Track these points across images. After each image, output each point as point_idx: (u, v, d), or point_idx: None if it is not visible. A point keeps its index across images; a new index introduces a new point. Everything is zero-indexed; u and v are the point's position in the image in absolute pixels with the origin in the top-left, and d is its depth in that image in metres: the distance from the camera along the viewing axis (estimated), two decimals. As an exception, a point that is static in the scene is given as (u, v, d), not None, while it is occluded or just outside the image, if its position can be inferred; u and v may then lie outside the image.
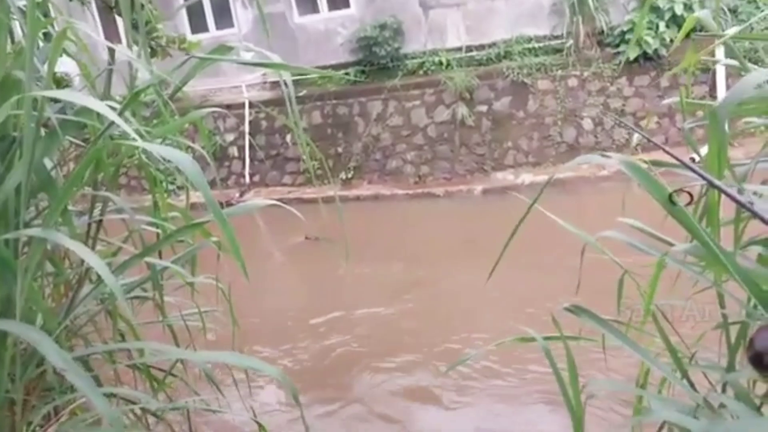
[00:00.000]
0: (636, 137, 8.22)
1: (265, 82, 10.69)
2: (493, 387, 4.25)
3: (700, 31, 1.78)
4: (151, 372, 2.44)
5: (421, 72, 9.75)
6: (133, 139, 1.35)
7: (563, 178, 7.43)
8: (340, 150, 9.98)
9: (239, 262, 1.38)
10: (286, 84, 2.23)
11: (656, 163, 1.34)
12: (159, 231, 2.32)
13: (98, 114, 1.69)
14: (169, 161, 1.39)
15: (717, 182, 0.83)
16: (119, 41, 2.15)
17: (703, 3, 8.24)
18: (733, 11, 8.41)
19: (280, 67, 2.34)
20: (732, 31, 1.79)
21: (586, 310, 1.27)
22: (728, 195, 0.83)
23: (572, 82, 9.04)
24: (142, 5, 2.20)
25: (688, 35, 1.91)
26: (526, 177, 8.83)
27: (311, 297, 6.44)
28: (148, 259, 1.96)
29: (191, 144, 2.29)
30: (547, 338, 1.61)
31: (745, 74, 1.66)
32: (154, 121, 2.54)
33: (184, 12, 10.85)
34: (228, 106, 10.39)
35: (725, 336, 1.67)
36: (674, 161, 0.94)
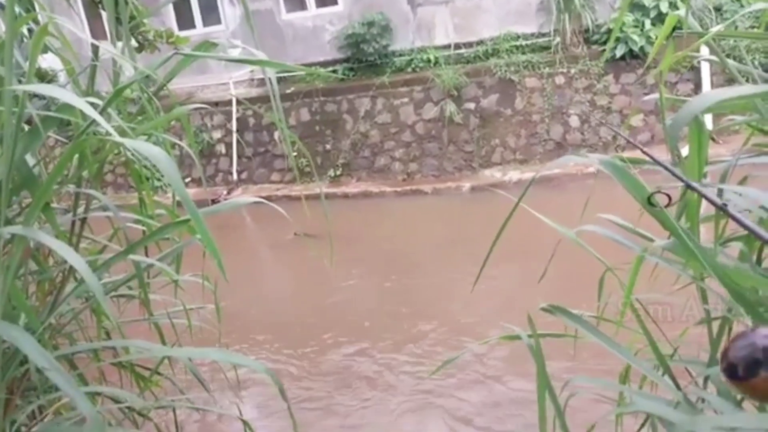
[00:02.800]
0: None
1: (252, 79, 10.64)
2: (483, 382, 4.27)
3: (682, 29, 1.80)
4: (138, 370, 2.43)
5: (409, 69, 9.75)
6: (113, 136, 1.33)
7: (550, 174, 7.47)
8: (328, 147, 9.96)
9: (217, 261, 1.37)
10: (270, 81, 2.22)
11: (635, 161, 1.36)
12: (144, 228, 2.31)
13: (82, 110, 1.67)
14: (146, 158, 1.38)
15: (693, 184, 0.84)
16: (106, 37, 2.13)
17: (687, 1, 8.32)
18: (718, 9, 8.50)
19: (265, 64, 2.33)
20: (714, 30, 1.82)
21: (563, 309, 1.29)
22: (703, 196, 0.84)
23: (559, 79, 9.08)
24: (126, 1, 2.18)
25: (671, 33, 1.93)
26: (514, 174, 8.87)
27: (300, 293, 6.43)
28: (132, 257, 1.95)
29: (177, 141, 2.28)
30: (531, 336, 1.62)
31: (727, 71, 1.68)
32: (139, 118, 2.52)
33: (171, 9, 10.76)
34: (216, 103, 10.34)
35: (708, 331, 1.69)
36: (654, 160, 0.95)
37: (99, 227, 2.59)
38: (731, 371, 0.58)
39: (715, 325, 1.65)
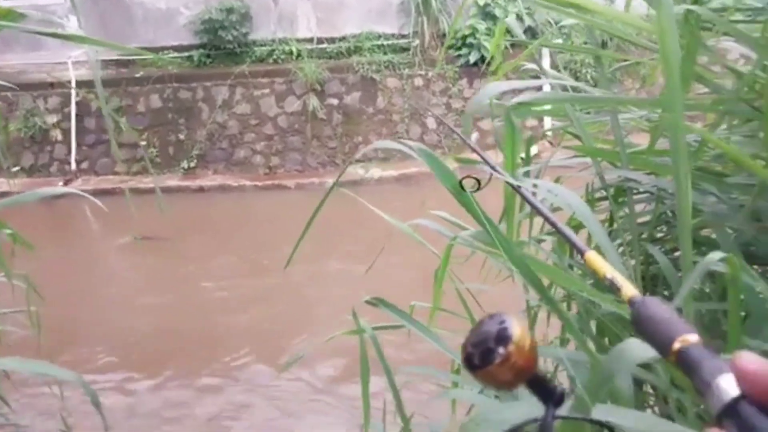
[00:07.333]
0: (475, 136, 8.81)
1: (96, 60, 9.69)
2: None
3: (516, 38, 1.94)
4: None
5: (270, 60, 9.50)
6: None
7: (408, 173, 7.73)
8: (182, 137, 9.39)
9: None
10: (94, 63, 2.01)
11: (462, 161, 1.43)
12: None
13: None
14: None
15: (496, 167, 0.88)
16: None
17: (532, 14, 9.03)
18: (557, 22, 9.33)
19: (90, 42, 2.11)
20: (536, 43, 1.98)
21: (385, 302, 1.31)
22: (500, 176, 0.88)
23: (418, 81, 9.41)
24: None
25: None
26: (375, 172, 9.03)
27: (139, 302, 5.98)
28: None
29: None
30: (376, 328, 1.63)
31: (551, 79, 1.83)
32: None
33: (-4, -27, 9.44)
34: (51, 84, 9.28)
35: (528, 319, 1.82)
36: (469, 145, 0.99)
37: None
38: (468, 361, 0.57)
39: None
